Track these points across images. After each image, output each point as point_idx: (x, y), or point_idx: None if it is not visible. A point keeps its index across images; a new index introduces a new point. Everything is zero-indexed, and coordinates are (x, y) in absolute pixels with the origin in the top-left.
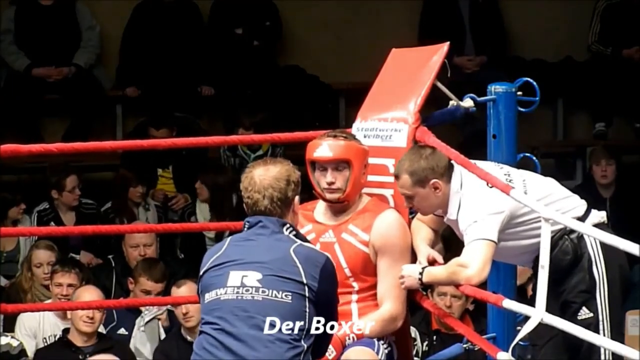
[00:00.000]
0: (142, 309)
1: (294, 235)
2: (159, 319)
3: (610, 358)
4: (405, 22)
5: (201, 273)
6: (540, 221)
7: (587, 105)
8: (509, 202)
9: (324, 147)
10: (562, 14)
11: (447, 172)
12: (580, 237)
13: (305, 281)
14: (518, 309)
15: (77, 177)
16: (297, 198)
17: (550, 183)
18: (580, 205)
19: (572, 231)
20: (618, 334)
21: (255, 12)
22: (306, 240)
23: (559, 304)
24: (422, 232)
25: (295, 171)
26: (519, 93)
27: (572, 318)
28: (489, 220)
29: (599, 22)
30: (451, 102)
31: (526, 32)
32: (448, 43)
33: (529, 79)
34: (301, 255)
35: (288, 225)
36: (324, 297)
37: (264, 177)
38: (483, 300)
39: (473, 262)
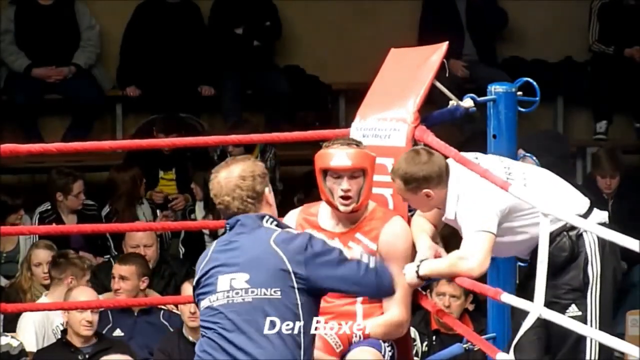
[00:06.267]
0: None
1: (275, 225)
2: None
3: (597, 357)
4: (405, 22)
5: (194, 283)
6: (538, 216)
7: (588, 105)
8: (509, 196)
9: (342, 156)
10: (562, 14)
11: (442, 178)
12: (579, 236)
13: (290, 269)
14: (517, 304)
15: (83, 182)
16: (267, 189)
17: (553, 178)
18: (583, 203)
19: (571, 229)
20: None
21: (255, 12)
22: (287, 227)
23: (547, 299)
24: (422, 225)
25: (257, 164)
26: (519, 93)
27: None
28: (489, 213)
29: (597, 21)
30: (451, 102)
31: (526, 32)
32: (447, 43)
33: (529, 79)
34: (281, 243)
35: (267, 217)
36: (318, 272)
37: (229, 179)
38: (482, 294)
39: (474, 254)
